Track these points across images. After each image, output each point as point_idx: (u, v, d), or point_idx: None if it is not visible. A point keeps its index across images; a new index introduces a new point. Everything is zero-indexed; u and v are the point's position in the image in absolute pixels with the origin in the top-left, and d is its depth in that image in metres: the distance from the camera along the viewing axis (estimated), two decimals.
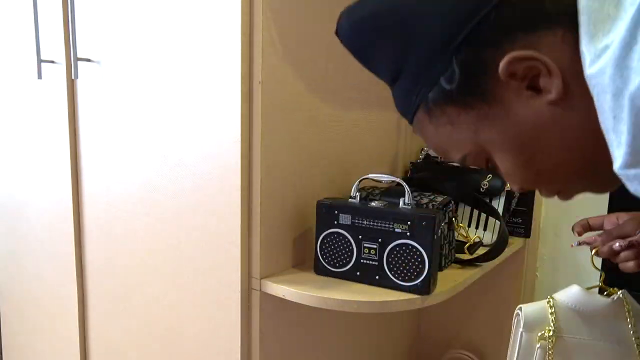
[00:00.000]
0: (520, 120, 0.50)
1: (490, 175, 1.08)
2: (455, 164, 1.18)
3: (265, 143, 0.82)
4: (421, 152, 1.22)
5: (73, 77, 1.04)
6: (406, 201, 0.83)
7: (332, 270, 0.88)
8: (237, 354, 0.88)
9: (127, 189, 1.02)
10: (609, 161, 0.45)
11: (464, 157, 0.56)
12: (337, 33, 0.62)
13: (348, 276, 0.87)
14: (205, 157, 0.87)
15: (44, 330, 1.31)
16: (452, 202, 0.95)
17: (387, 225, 0.83)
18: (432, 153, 1.21)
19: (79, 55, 1.04)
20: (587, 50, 0.45)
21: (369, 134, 1.06)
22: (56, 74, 1.10)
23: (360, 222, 0.85)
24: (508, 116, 0.51)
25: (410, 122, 0.58)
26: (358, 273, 0.86)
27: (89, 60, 1.04)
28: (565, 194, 0.57)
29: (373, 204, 0.85)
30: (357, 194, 0.87)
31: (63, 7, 1.06)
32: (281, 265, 0.90)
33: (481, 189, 1.07)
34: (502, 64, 0.48)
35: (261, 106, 0.81)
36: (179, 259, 0.95)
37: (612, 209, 1.19)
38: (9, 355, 1.47)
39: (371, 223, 0.84)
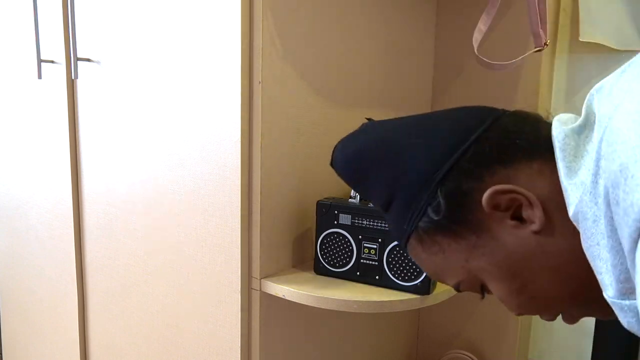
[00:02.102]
0: (508, 249, 0.52)
1: None
2: None
3: (265, 143, 0.83)
4: None
5: (73, 77, 1.04)
6: None
7: (332, 270, 0.88)
8: (237, 354, 0.88)
9: (127, 188, 1.02)
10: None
11: (457, 284, 0.57)
12: (332, 164, 0.66)
13: (348, 276, 0.87)
14: (205, 157, 0.87)
15: (44, 330, 1.31)
16: None
17: (387, 225, 0.83)
18: None
19: (79, 55, 1.04)
20: (568, 184, 0.46)
21: None
22: (56, 74, 1.10)
23: (360, 222, 0.85)
24: (496, 245, 0.52)
25: (404, 248, 0.60)
26: (358, 273, 0.86)
27: (89, 60, 1.04)
28: (568, 318, 0.56)
29: None
30: (357, 194, 0.87)
31: (63, 7, 1.06)
32: (281, 265, 0.90)
33: None
34: (484, 197, 0.50)
35: (261, 106, 0.81)
36: (179, 259, 0.95)
37: None
38: (9, 355, 1.47)
39: (371, 223, 0.84)
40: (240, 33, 0.79)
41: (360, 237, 0.85)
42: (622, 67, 0.49)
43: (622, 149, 0.38)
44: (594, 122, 0.47)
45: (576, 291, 0.52)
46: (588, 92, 0.50)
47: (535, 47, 0.98)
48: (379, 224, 0.83)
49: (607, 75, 0.49)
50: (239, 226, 0.84)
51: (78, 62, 1.04)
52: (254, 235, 0.85)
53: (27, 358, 1.40)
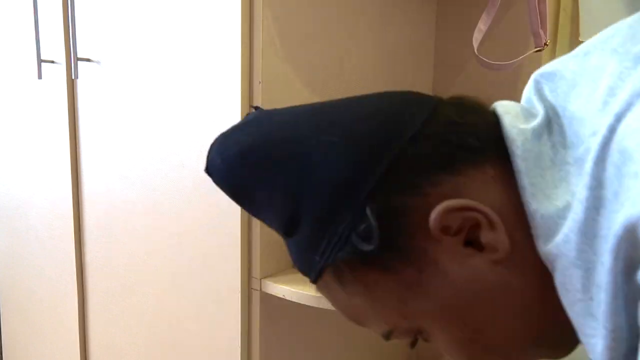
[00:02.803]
0: (459, 285, 0.39)
1: None
2: None
3: None
4: None
5: (73, 77, 1.04)
6: None
7: None
8: (237, 354, 0.88)
9: (127, 188, 1.02)
10: (566, 324, 0.36)
11: (387, 332, 0.44)
12: (207, 170, 0.48)
13: None
14: (206, 157, 0.87)
15: (44, 330, 1.31)
16: None
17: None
18: None
19: (79, 55, 1.04)
20: (536, 208, 0.36)
21: None
22: (56, 74, 1.10)
23: None
24: (444, 281, 0.39)
25: (314, 282, 0.46)
26: None
27: (89, 60, 1.04)
28: None
29: None
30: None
31: (63, 7, 1.06)
32: (281, 265, 0.90)
33: None
34: (433, 216, 0.37)
35: (261, 106, 0.81)
36: (179, 259, 0.95)
37: None
38: (9, 355, 1.47)
39: None
40: (240, 33, 0.79)
41: None
42: (581, 48, 0.40)
43: None
44: (558, 120, 0.38)
45: (539, 335, 0.41)
46: None
47: (535, 47, 0.98)
48: None
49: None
50: (239, 226, 0.84)
51: (78, 62, 1.04)
52: (254, 235, 0.85)
53: (27, 358, 1.40)
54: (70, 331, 1.22)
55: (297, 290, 0.82)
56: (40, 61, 1.10)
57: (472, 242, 0.38)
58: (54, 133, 1.14)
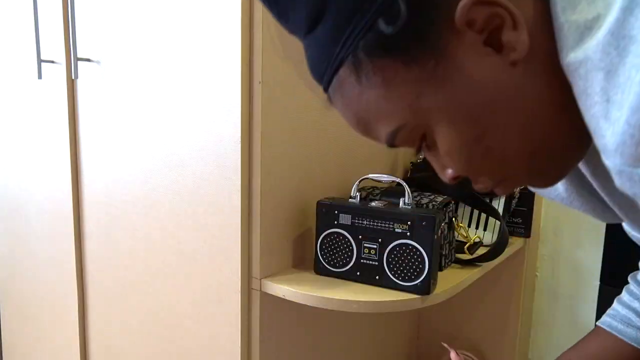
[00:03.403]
0: (474, 83, 0.40)
1: None
2: None
3: (265, 143, 0.82)
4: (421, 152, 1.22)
5: (73, 77, 1.04)
6: (406, 201, 0.83)
7: (332, 270, 0.88)
8: (237, 354, 0.88)
9: (127, 188, 1.02)
10: (567, 145, 0.40)
11: (395, 130, 0.43)
12: None
13: (348, 276, 0.87)
14: (205, 157, 0.87)
15: (44, 330, 1.31)
16: (452, 202, 0.95)
17: (387, 225, 0.83)
18: None
19: (79, 55, 1.04)
20: (565, 21, 0.37)
21: None
22: (56, 74, 1.10)
23: (360, 222, 0.85)
24: (460, 78, 0.40)
25: (327, 86, 0.45)
26: (358, 273, 0.86)
27: (89, 60, 1.04)
28: (504, 186, 0.47)
29: (373, 204, 0.85)
30: (357, 194, 0.87)
31: (63, 7, 1.06)
32: (281, 265, 0.90)
33: None
34: (460, 6, 0.38)
35: (261, 106, 0.81)
36: (179, 259, 0.95)
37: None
38: (9, 355, 1.47)
39: (371, 223, 0.84)
40: (240, 33, 0.79)
41: (360, 237, 0.85)
42: None
43: None
44: None
45: (539, 150, 0.42)
46: None
47: None
48: (379, 224, 0.83)
49: None
50: (239, 226, 0.84)
51: (78, 62, 1.04)
52: (254, 235, 0.85)
53: (27, 358, 1.40)
54: (70, 331, 1.22)
55: (297, 290, 0.82)
56: (40, 61, 1.10)
57: (493, 45, 0.40)
58: (54, 133, 1.14)
